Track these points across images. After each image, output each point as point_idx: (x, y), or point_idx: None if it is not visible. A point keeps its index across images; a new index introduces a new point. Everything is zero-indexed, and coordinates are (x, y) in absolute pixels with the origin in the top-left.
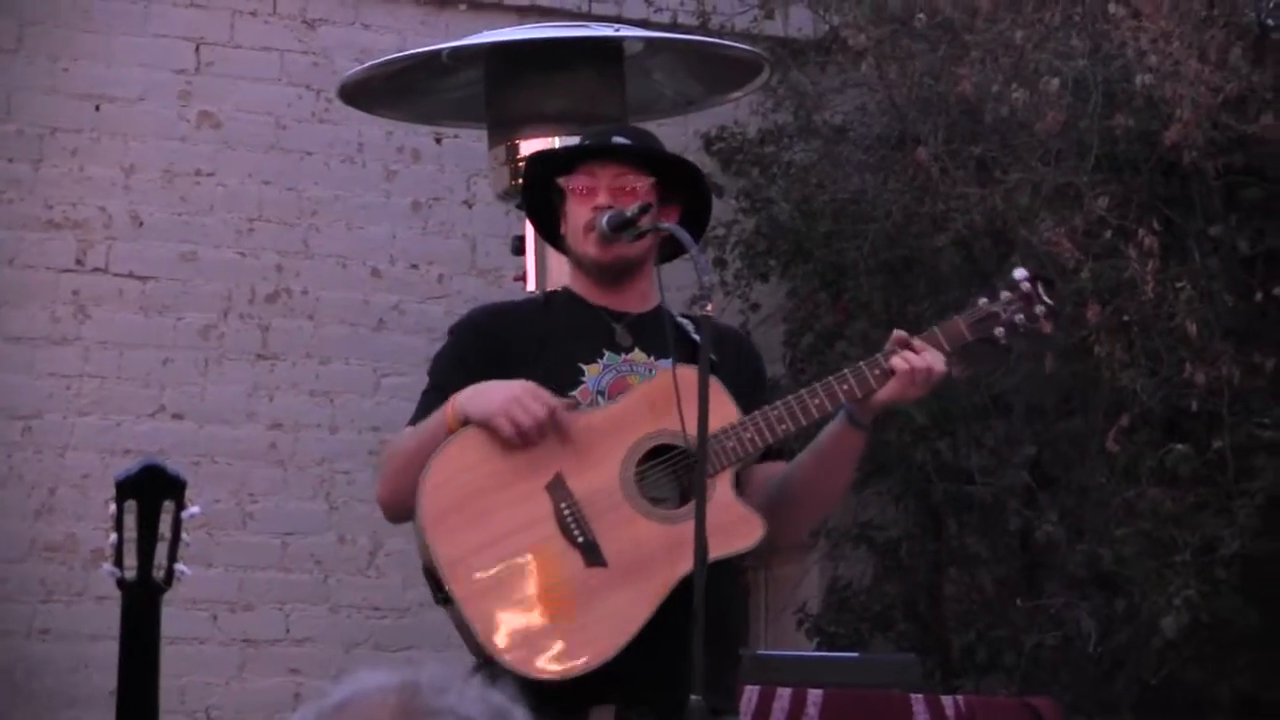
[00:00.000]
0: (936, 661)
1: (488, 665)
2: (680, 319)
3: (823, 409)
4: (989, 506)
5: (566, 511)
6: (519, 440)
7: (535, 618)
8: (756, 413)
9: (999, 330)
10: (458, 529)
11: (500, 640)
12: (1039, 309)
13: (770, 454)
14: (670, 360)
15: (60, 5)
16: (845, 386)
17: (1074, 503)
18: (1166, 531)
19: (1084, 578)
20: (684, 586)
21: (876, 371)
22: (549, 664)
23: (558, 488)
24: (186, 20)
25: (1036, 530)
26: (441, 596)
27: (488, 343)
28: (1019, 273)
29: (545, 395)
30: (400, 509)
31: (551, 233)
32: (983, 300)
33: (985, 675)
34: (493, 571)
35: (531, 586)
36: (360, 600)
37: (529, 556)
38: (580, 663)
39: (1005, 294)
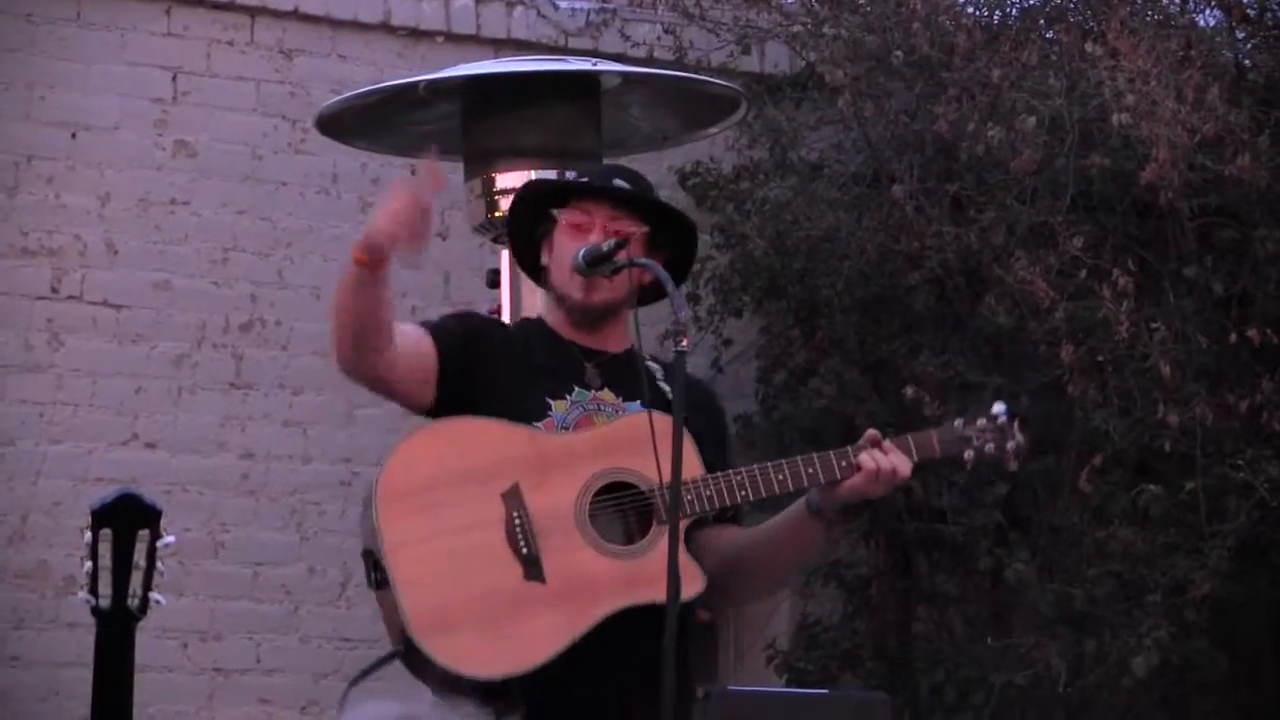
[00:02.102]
0: (905, 700)
1: (409, 650)
2: (650, 363)
3: (784, 486)
4: (960, 545)
5: (518, 522)
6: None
7: (464, 617)
8: (720, 474)
9: (968, 454)
10: (408, 514)
11: (426, 629)
12: (1010, 444)
13: (726, 518)
14: (639, 404)
15: (37, 33)
16: (810, 470)
17: (1045, 542)
18: (1137, 572)
19: (1054, 617)
20: (617, 623)
21: (844, 463)
22: (467, 663)
23: (513, 498)
24: (163, 49)
25: (1007, 569)
26: (378, 579)
27: (468, 330)
28: (998, 407)
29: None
30: (353, 362)
31: (529, 261)
32: (958, 421)
33: (954, 714)
34: (434, 563)
35: (468, 585)
36: (330, 631)
37: (472, 556)
38: (497, 669)
39: (981, 421)
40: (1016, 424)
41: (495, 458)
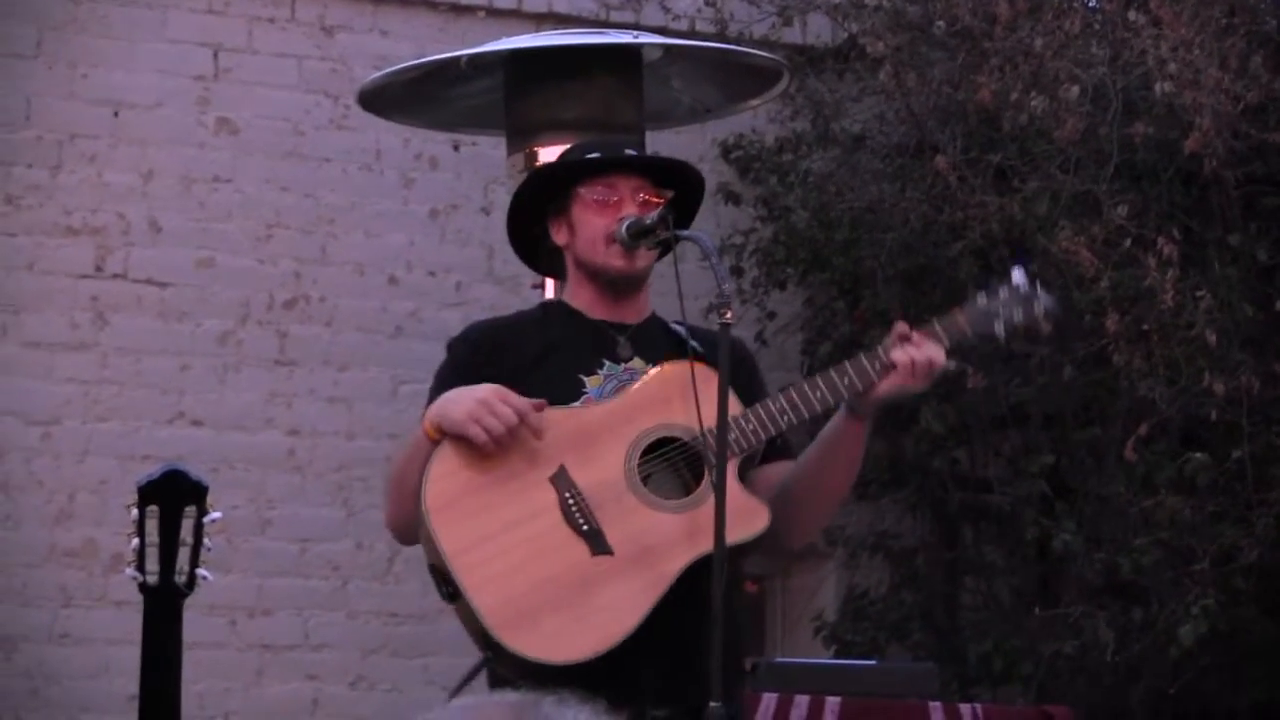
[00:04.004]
0: (953, 670)
1: (495, 656)
2: (676, 326)
3: (824, 401)
4: (1006, 515)
5: (571, 501)
6: (492, 446)
7: (541, 605)
8: (758, 405)
9: (998, 327)
10: (461, 520)
11: (507, 628)
12: (1038, 308)
13: (777, 453)
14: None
15: (79, 12)
16: (846, 380)
17: (1092, 512)
18: (1184, 541)
19: (1101, 587)
20: (690, 575)
21: (876, 365)
22: (555, 651)
23: (561, 479)
24: (204, 26)
25: (1054, 539)
26: (448, 591)
27: (484, 358)
28: (1016, 273)
29: (513, 397)
30: (406, 530)
31: (525, 246)
32: (980, 296)
33: (1002, 684)
34: (498, 561)
35: (537, 574)
36: (378, 606)
37: (534, 545)
38: (587, 650)
39: (1003, 293)
40: (1039, 285)
41: (534, 445)
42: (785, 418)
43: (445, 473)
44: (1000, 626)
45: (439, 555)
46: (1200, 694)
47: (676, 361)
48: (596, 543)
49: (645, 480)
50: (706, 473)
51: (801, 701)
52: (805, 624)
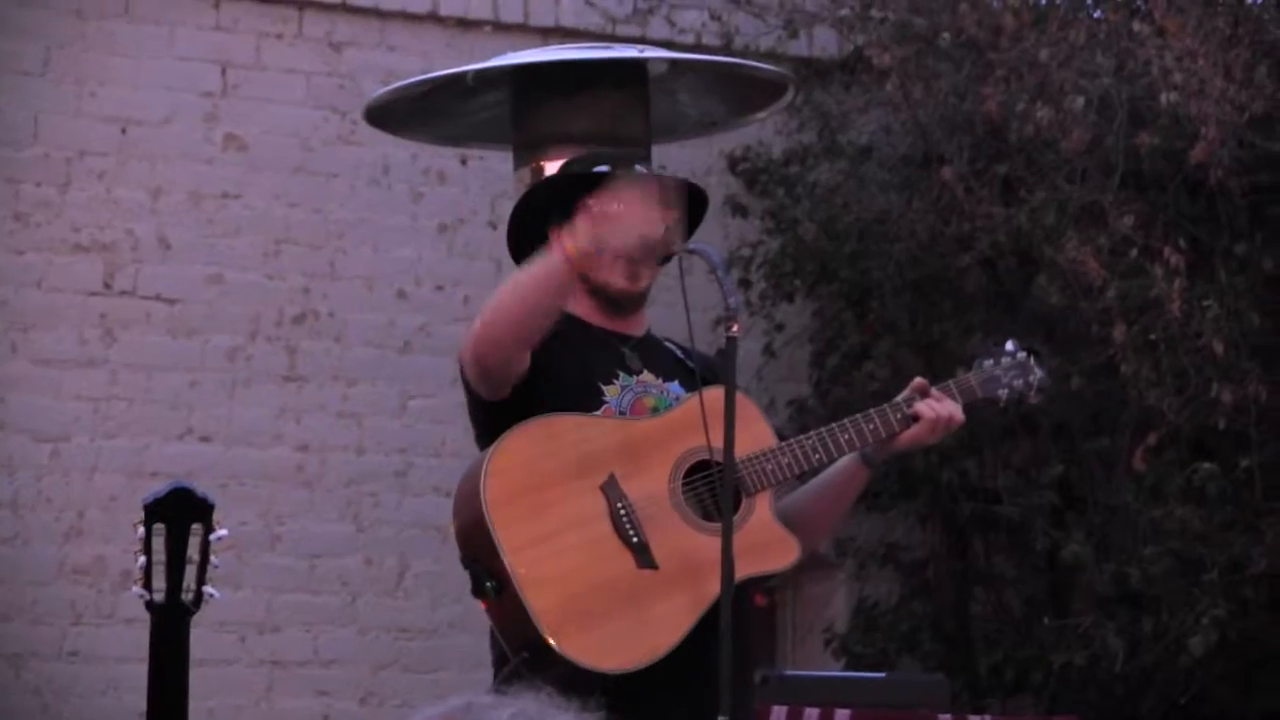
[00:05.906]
0: (964, 681)
1: (532, 658)
2: (667, 343)
3: (851, 444)
4: (1016, 526)
5: (622, 512)
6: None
7: (593, 612)
8: (792, 440)
9: (1002, 392)
10: (518, 519)
11: (556, 629)
12: (1033, 379)
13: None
14: (677, 384)
15: (86, 29)
16: (871, 426)
17: (1101, 522)
18: (1194, 550)
19: (1111, 597)
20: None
21: (899, 415)
22: (603, 659)
23: (612, 488)
24: (212, 43)
25: (1063, 550)
26: (493, 586)
27: None
28: (1009, 345)
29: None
30: (503, 349)
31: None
32: (988, 362)
33: (1013, 695)
34: (553, 563)
35: (588, 581)
36: (388, 622)
37: (585, 552)
38: (633, 660)
39: (1005, 359)
40: (1032, 359)
41: (586, 451)
42: (816, 456)
43: (502, 470)
44: (1011, 637)
45: (495, 550)
46: (1211, 703)
47: (718, 387)
48: (644, 557)
49: (687, 499)
50: (744, 499)
51: (811, 714)
52: (816, 635)
